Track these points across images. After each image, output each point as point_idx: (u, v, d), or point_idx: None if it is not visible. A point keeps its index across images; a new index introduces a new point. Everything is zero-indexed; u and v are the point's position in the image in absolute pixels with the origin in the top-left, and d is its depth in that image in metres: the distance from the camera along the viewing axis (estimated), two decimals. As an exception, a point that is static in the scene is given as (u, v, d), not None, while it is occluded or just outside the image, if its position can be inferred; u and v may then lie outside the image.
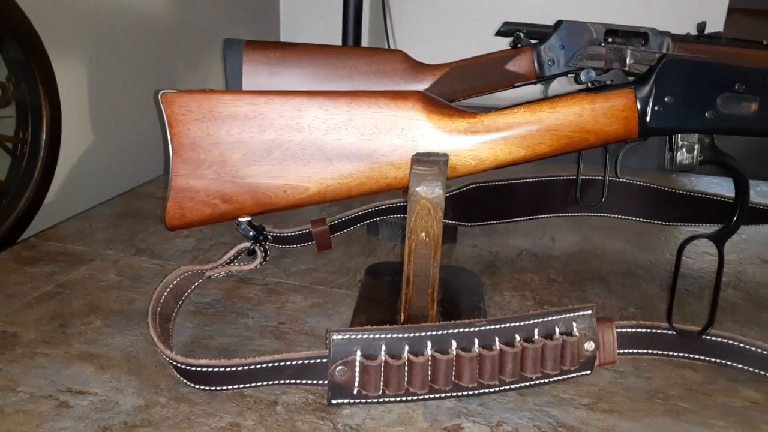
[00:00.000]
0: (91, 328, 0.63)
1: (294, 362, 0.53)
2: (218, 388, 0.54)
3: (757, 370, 0.57)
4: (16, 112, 0.87)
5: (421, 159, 0.55)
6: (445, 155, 0.56)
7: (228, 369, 0.53)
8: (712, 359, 0.58)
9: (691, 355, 0.59)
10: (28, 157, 0.88)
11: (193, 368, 0.53)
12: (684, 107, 0.56)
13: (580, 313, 0.54)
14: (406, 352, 0.52)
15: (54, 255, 0.79)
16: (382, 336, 0.52)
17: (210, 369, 0.53)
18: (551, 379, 0.54)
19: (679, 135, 0.58)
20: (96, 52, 1.02)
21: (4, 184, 0.86)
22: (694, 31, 0.85)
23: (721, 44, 0.83)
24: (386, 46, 1.59)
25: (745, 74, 0.55)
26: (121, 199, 1.00)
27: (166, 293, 0.63)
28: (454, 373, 0.52)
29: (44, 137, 0.89)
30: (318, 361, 0.52)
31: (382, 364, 0.51)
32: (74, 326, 0.63)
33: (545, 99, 0.58)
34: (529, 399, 0.55)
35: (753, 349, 0.57)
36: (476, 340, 0.53)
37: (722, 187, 1.13)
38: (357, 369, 0.52)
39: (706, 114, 0.56)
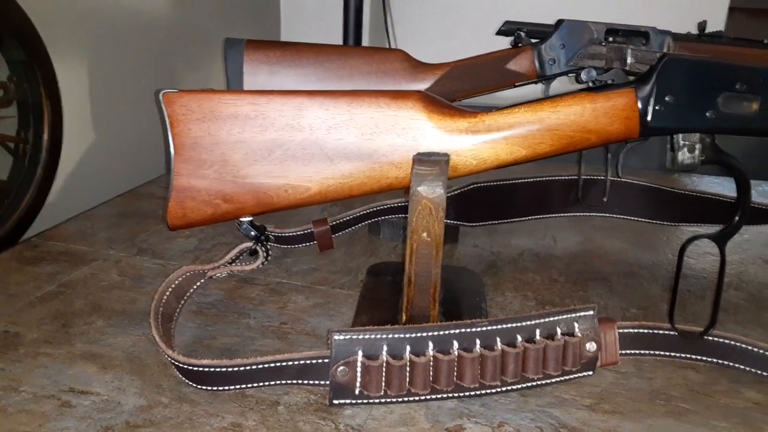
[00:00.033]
0: (93, 328, 0.63)
1: (296, 362, 0.53)
2: (220, 388, 0.54)
3: (759, 371, 0.57)
4: (18, 112, 0.87)
5: (422, 159, 0.55)
6: (447, 155, 0.56)
7: (230, 369, 0.53)
8: (714, 360, 0.58)
9: (693, 356, 0.59)
10: (30, 157, 0.88)
11: (195, 368, 0.53)
12: (685, 107, 0.56)
13: (582, 314, 0.54)
14: (407, 352, 0.52)
15: (56, 255, 0.79)
16: (384, 336, 0.52)
17: (212, 369, 0.53)
18: (553, 380, 0.54)
19: (681, 135, 0.58)
20: (97, 52, 1.02)
21: (6, 184, 0.86)
22: (695, 31, 0.85)
23: (722, 43, 0.82)
24: (387, 46, 1.59)
25: (746, 74, 0.55)
26: (123, 199, 1.00)
27: (168, 293, 0.63)
28: (455, 373, 0.52)
29: (46, 137, 0.89)
30: (320, 361, 0.52)
31: (384, 364, 0.51)
32: (76, 326, 0.63)
33: (546, 98, 0.58)
34: (530, 400, 0.55)
35: (755, 350, 0.57)
36: (478, 341, 0.53)
37: (724, 187, 1.13)
38: (359, 369, 0.51)
39: (707, 113, 0.56)
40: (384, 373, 0.52)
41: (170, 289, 0.63)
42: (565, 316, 0.54)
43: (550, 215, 0.90)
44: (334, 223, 0.82)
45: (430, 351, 0.52)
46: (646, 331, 0.58)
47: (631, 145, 0.69)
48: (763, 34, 0.84)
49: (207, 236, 0.86)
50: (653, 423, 0.52)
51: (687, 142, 0.58)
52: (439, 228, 0.54)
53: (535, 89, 0.85)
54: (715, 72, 0.56)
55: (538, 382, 0.54)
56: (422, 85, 0.83)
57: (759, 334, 0.66)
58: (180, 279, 0.65)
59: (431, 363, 0.52)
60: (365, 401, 0.52)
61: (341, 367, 0.51)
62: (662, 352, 0.59)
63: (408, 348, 0.52)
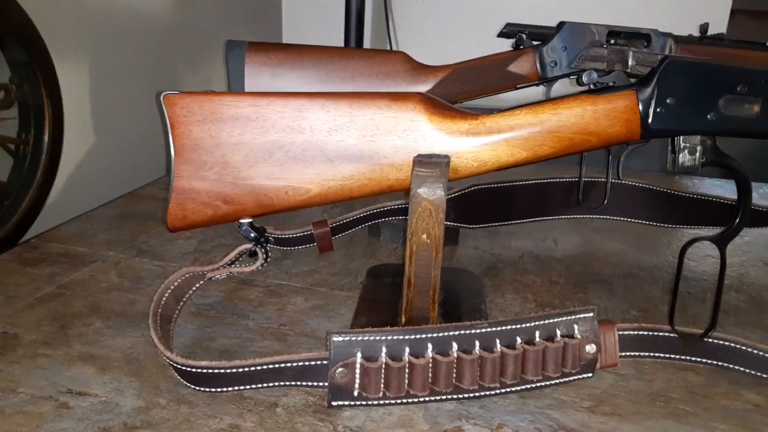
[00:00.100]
0: (91, 330, 0.63)
1: (294, 364, 0.53)
2: (218, 389, 0.54)
3: (759, 373, 0.57)
4: (19, 113, 0.87)
5: (422, 160, 0.55)
6: (447, 157, 0.56)
7: (228, 370, 0.53)
8: (714, 362, 0.58)
9: (693, 358, 0.59)
10: (31, 159, 0.88)
11: (194, 370, 0.53)
12: (686, 109, 0.56)
13: (582, 316, 0.54)
14: (406, 354, 0.52)
15: (55, 256, 0.79)
16: (383, 338, 0.52)
17: (210, 370, 0.53)
18: (552, 382, 0.54)
19: (681, 137, 0.58)
20: (98, 53, 1.02)
21: (6, 186, 0.86)
22: (696, 33, 0.85)
23: (723, 46, 0.82)
24: (388, 48, 1.59)
25: (748, 76, 0.55)
26: (123, 201, 1.00)
27: (167, 295, 0.63)
28: (454, 375, 0.52)
29: (46, 138, 0.89)
30: (318, 362, 0.52)
31: (383, 366, 0.51)
32: (75, 327, 0.63)
33: (547, 100, 0.57)
34: (530, 401, 0.55)
35: (755, 352, 0.57)
36: (477, 342, 0.53)
37: (725, 189, 1.13)
38: (357, 371, 0.51)
39: (708, 116, 0.56)
40: (383, 375, 0.51)
41: (169, 291, 0.63)
42: (564, 318, 0.54)
43: (551, 217, 0.90)
44: (334, 224, 0.82)
45: (430, 352, 0.52)
46: (645, 333, 0.58)
47: (632, 147, 0.69)
48: (765, 37, 0.84)
49: (207, 238, 0.86)
50: (653, 425, 0.52)
51: (688, 145, 0.58)
52: (439, 230, 0.54)
53: (536, 91, 0.85)
54: (717, 74, 0.56)
55: (538, 384, 0.54)
56: (423, 87, 0.83)
57: (759, 336, 0.66)
58: (179, 280, 0.65)
59: (430, 364, 0.52)
60: (364, 403, 0.52)
61: (340, 369, 0.51)
62: (662, 354, 0.59)
63: (407, 349, 0.52)
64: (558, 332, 0.54)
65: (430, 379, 0.52)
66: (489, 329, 0.53)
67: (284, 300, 0.70)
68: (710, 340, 0.57)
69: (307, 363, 0.53)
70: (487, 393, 0.53)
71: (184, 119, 0.56)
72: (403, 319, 0.57)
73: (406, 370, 0.52)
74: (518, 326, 0.53)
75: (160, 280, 0.70)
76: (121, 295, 0.70)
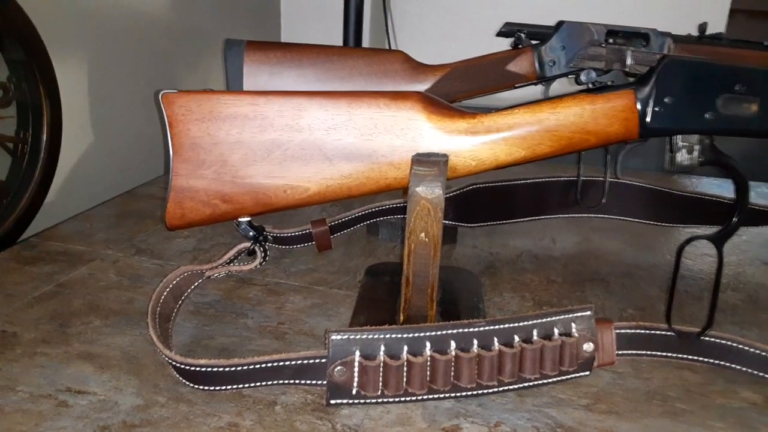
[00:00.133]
0: (90, 328, 0.63)
1: (293, 362, 0.53)
2: (217, 388, 0.54)
3: (755, 372, 0.57)
4: (17, 112, 0.87)
5: (421, 159, 0.55)
6: (445, 156, 0.56)
7: (227, 369, 0.53)
8: (711, 360, 0.58)
9: (690, 357, 0.59)
10: (29, 157, 0.88)
11: (193, 368, 0.53)
12: (684, 108, 0.56)
13: (579, 314, 0.54)
14: (405, 352, 0.52)
15: (54, 255, 0.79)
16: (381, 336, 0.52)
17: (209, 369, 0.53)
18: (550, 380, 0.54)
19: (679, 136, 0.58)
20: (97, 52, 1.02)
21: (4, 184, 0.86)
22: (695, 32, 0.85)
23: (722, 45, 0.83)
24: (387, 47, 1.59)
25: (746, 75, 0.55)
26: (121, 200, 1.00)
27: (165, 293, 0.63)
28: (452, 373, 0.52)
29: (45, 137, 0.89)
30: (317, 361, 0.52)
31: (381, 364, 0.51)
32: (74, 326, 0.63)
33: (545, 100, 0.58)
34: (527, 400, 0.55)
35: (752, 350, 0.57)
36: (475, 341, 0.53)
37: (723, 188, 1.13)
38: (356, 369, 0.52)
39: (706, 115, 0.56)
40: (381, 373, 0.52)
41: (168, 289, 0.63)
42: (562, 317, 0.54)
43: (549, 216, 0.91)
44: (332, 223, 0.82)
45: (428, 351, 0.52)
46: (643, 331, 0.58)
47: (630, 147, 0.69)
48: (764, 36, 0.84)
49: (205, 236, 0.86)
50: (650, 423, 0.52)
51: (686, 144, 0.58)
52: (438, 228, 0.54)
53: (535, 90, 0.85)
54: (715, 73, 0.56)
55: (535, 382, 0.54)
56: (422, 86, 0.83)
57: (756, 335, 0.66)
58: (178, 279, 0.65)
59: (428, 363, 0.52)
60: (362, 401, 0.52)
61: (338, 367, 0.51)
62: (659, 353, 0.59)
63: (405, 348, 0.52)
64: (556, 331, 0.54)
65: (428, 378, 0.52)
66: (487, 328, 0.53)
67: (283, 298, 0.70)
68: (707, 338, 0.58)
69: (305, 361, 0.53)
70: (485, 391, 0.53)
71: (182, 118, 0.56)
72: (402, 318, 0.57)
73: (405, 369, 0.52)
74: (516, 325, 0.53)
75: (158, 279, 0.70)
76: (119, 294, 0.70)
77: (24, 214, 0.87)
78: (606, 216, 0.90)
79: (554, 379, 0.54)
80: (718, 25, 1.46)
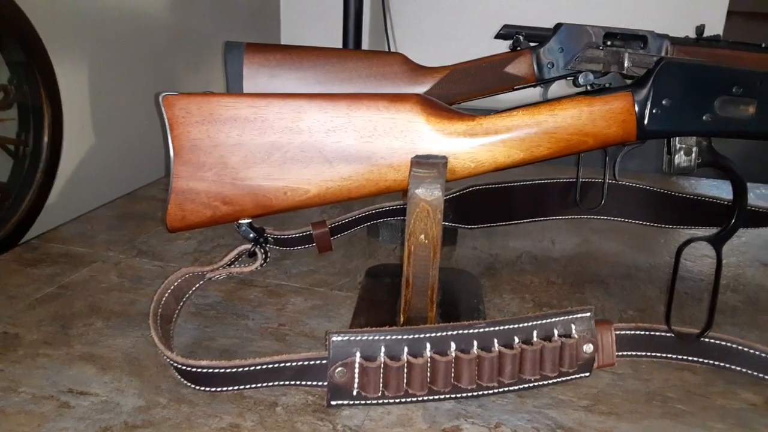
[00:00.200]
0: (92, 330, 0.63)
1: (294, 363, 0.53)
2: (218, 389, 0.54)
3: (755, 373, 0.57)
4: (18, 114, 0.88)
5: (420, 161, 0.56)
6: (444, 157, 0.57)
7: (228, 370, 0.53)
8: (711, 362, 0.59)
9: (690, 358, 0.59)
10: (30, 159, 0.88)
11: (194, 369, 0.53)
12: (681, 110, 0.56)
13: (579, 316, 0.55)
14: (405, 353, 0.52)
15: (56, 257, 0.79)
16: (382, 337, 0.52)
17: (210, 370, 0.53)
18: (550, 381, 0.55)
19: (677, 138, 0.58)
20: (97, 54, 1.03)
21: (6, 186, 0.87)
22: (693, 34, 0.85)
23: (720, 47, 0.83)
24: (386, 49, 1.59)
25: (743, 77, 0.56)
26: (122, 201, 1.00)
27: (167, 295, 0.63)
28: (453, 374, 0.53)
29: (46, 139, 0.89)
30: (318, 362, 0.53)
31: (382, 365, 0.52)
32: (76, 327, 0.63)
33: (544, 102, 0.58)
34: (527, 401, 0.55)
35: (751, 351, 0.57)
36: (475, 342, 0.53)
37: (722, 189, 1.13)
38: (356, 370, 0.52)
39: (704, 117, 0.56)
40: (381, 374, 0.52)
41: (169, 291, 0.64)
42: (562, 318, 0.54)
43: (549, 218, 0.91)
44: (332, 225, 0.83)
45: (428, 352, 0.52)
46: (642, 332, 0.58)
47: (628, 148, 0.69)
48: (762, 38, 0.85)
49: (206, 238, 0.86)
50: (650, 424, 0.53)
51: (683, 146, 0.58)
52: (437, 230, 0.54)
53: (533, 92, 0.85)
54: (712, 75, 0.56)
55: (535, 384, 0.54)
56: (421, 89, 0.83)
57: (756, 336, 0.66)
58: (179, 281, 0.65)
59: (429, 364, 0.52)
60: (363, 402, 0.53)
61: (339, 368, 0.52)
62: (659, 354, 0.59)
63: (405, 349, 0.52)
64: (555, 332, 0.54)
65: (428, 379, 0.52)
66: (487, 329, 0.53)
67: (284, 300, 0.71)
68: (707, 339, 0.58)
69: (306, 363, 0.53)
70: (485, 392, 0.54)
71: (182, 120, 0.56)
72: (402, 319, 0.58)
73: (405, 370, 0.52)
74: (516, 326, 0.54)
75: (160, 281, 0.70)
76: (121, 295, 0.70)
77: (25, 216, 0.87)
78: (605, 217, 0.91)
79: (554, 380, 0.55)
80: (715, 27, 1.47)
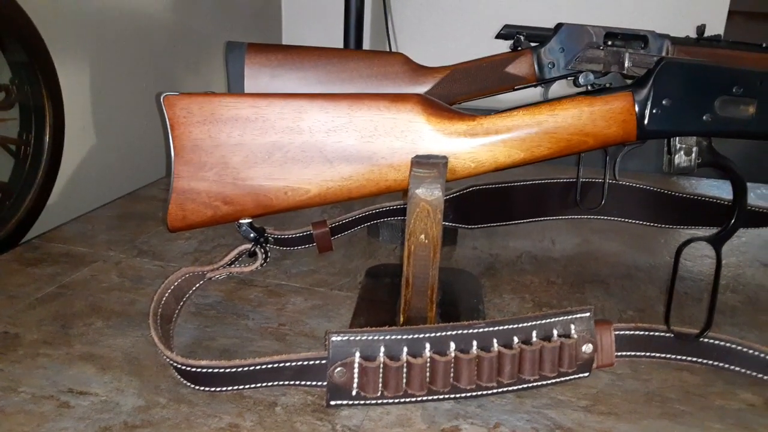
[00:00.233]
0: (92, 329, 0.63)
1: (293, 363, 0.53)
2: (218, 389, 0.54)
3: (754, 373, 0.57)
4: (20, 114, 0.88)
5: (420, 161, 0.56)
6: (445, 157, 0.57)
7: (228, 370, 0.53)
8: (710, 362, 0.59)
9: (689, 358, 0.59)
10: (32, 159, 0.88)
11: (194, 369, 0.53)
12: (682, 110, 0.56)
13: (578, 316, 0.55)
14: (404, 353, 0.52)
15: (56, 256, 0.79)
16: (381, 337, 0.52)
17: (210, 370, 0.53)
18: (549, 381, 0.55)
19: (677, 138, 0.58)
20: (99, 54, 1.03)
21: (7, 186, 0.87)
22: (694, 34, 0.85)
23: (720, 47, 0.83)
24: (387, 49, 1.59)
25: (743, 77, 0.56)
26: (123, 201, 1.01)
27: (167, 294, 0.63)
28: (452, 374, 0.53)
29: (47, 139, 0.89)
30: (317, 362, 0.53)
31: (381, 365, 0.52)
32: (76, 327, 0.64)
33: (544, 102, 0.58)
34: (526, 401, 0.55)
35: (751, 352, 0.57)
36: (475, 342, 0.53)
37: (722, 189, 1.13)
38: (356, 370, 0.52)
39: (704, 117, 0.56)
40: (381, 374, 0.52)
41: (169, 291, 0.64)
42: (561, 318, 0.54)
43: (549, 218, 0.91)
44: (333, 225, 0.83)
45: (427, 352, 0.52)
46: (642, 333, 0.58)
47: (628, 148, 0.69)
48: (762, 38, 0.85)
49: (207, 238, 0.86)
50: (649, 424, 0.53)
51: (684, 146, 0.58)
52: (437, 230, 0.54)
53: (534, 92, 0.86)
54: (712, 75, 0.56)
55: (534, 384, 0.54)
56: (422, 89, 0.83)
57: (755, 337, 0.66)
58: (179, 280, 0.65)
59: (428, 364, 0.52)
60: (362, 402, 0.53)
61: (338, 368, 0.52)
62: (658, 354, 0.59)
63: (405, 349, 0.52)
64: (555, 332, 0.54)
65: (427, 379, 0.52)
66: (486, 329, 0.53)
67: (284, 300, 0.71)
68: (706, 340, 0.58)
69: (306, 362, 0.53)
70: (485, 392, 0.54)
71: (183, 120, 0.56)
72: (402, 319, 0.58)
73: (404, 370, 0.52)
74: (515, 326, 0.54)
75: (160, 280, 0.70)
76: (121, 295, 0.70)
77: (26, 215, 0.87)
78: (605, 217, 0.91)
79: (553, 381, 0.55)
80: (716, 26, 1.47)
